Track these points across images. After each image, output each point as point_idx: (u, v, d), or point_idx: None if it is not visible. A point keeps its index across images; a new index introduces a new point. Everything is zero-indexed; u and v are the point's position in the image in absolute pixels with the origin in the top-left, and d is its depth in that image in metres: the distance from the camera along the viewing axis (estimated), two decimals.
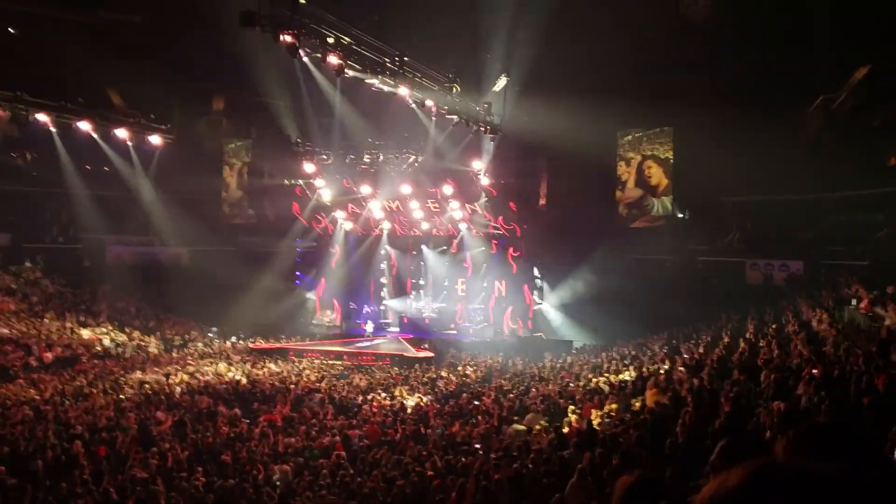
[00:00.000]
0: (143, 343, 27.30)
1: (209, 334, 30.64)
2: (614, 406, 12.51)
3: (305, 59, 18.58)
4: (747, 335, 17.14)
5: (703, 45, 25.87)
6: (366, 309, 33.36)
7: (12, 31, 29.85)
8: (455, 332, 31.41)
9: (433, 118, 24.58)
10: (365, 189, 31.44)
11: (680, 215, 30.28)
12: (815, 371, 9.84)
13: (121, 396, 17.36)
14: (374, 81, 20.38)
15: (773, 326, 17.60)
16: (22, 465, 11.12)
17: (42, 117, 24.22)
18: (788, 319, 18.11)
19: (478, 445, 11.30)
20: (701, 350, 17.60)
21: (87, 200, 32.14)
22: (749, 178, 26.91)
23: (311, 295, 35.15)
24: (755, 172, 26.20)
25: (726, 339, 17.80)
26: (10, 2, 29.09)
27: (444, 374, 23.08)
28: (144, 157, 30.43)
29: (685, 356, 17.36)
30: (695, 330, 22.81)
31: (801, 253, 26.79)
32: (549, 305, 31.19)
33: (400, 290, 33.95)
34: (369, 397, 18.56)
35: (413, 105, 22.77)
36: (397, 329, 32.66)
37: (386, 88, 21.37)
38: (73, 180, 31.40)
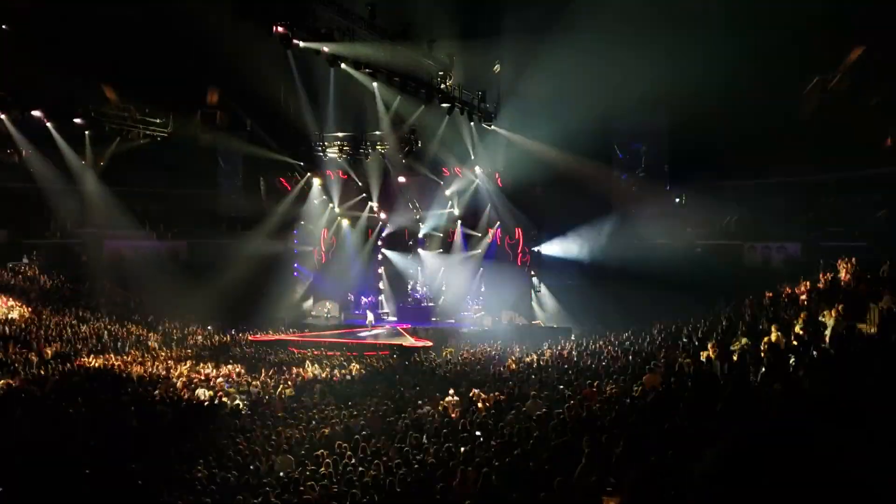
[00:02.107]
0: (142, 337, 27.24)
1: (209, 327, 30.59)
2: (614, 390, 12.51)
3: (301, 44, 18.42)
4: (746, 317, 17.12)
5: (697, 26, 25.72)
6: (363, 300, 33.35)
7: (5, 27, 29.59)
8: (453, 320, 31.40)
9: (425, 106, 24.55)
10: (362, 179, 31.35)
11: (677, 199, 30.27)
12: (814, 353, 9.84)
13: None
14: (367, 71, 20.31)
15: (772, 308, 17.57)
16: None
17: (37, 114, 24.16)
18: (787, 301, 18.08)
19: (478, 433, 11.30)
20: (700, 334, 17.58)
21: (84, 195, 32.05)
22: (746, 161, 26.88)
23: (309, 286, 35.16)
24: (752, 154, 26.16)
25: (725, 322, 17.78)
26: None
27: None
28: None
29: (684, 340, 17.39)
30: (694, 313, 22.77)
31: (798, 235, 26.79)
32: (547, 293, 31.17)
33: (398, 281, 33.91)
34: None
35: (398, 98, 22.74)
36: (396, 319, 32.67)
37: (376, 84, 21.32)
38: (70, 176, 31.30)
